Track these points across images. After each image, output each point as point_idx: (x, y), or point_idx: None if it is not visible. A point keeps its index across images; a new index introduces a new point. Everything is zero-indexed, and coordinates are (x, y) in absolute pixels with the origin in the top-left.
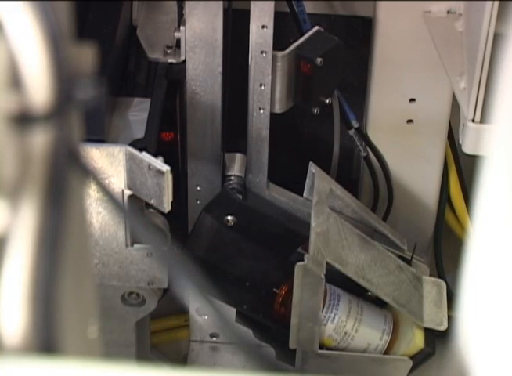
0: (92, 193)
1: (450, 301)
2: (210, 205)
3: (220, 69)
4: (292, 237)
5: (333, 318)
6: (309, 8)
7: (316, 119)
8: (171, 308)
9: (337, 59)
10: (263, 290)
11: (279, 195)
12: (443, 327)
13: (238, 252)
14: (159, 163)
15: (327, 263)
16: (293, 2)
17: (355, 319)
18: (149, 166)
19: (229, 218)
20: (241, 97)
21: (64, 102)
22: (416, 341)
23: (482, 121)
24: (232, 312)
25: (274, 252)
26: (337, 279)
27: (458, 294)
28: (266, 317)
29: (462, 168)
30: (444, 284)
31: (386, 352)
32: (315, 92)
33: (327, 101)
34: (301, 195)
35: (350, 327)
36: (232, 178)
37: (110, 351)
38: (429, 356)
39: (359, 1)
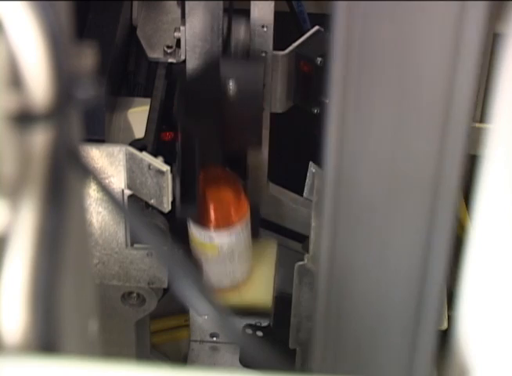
0: (92, 193)
1: (450, 301)
2: None
3: None
4: None
5: None
6: (309, 8)
7: (316, 119)
8: (171, 308)
9: None
10: None
11: (279, 195)
12: (443, 326)
13: None
14: (159, 163)
15: None
16: (293, 2)
17: None
18: (149, 166)
19: None
20: None
21: (64, 101)
22: None
23: (482, 120)
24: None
25: None
26: None
27: (458, 294)
28: None
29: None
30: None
31: None
32: (315, 92)
33: (327, 101)
34: (301, 195)
35: None
36: None
37: (110, 351)
38: None
39: None
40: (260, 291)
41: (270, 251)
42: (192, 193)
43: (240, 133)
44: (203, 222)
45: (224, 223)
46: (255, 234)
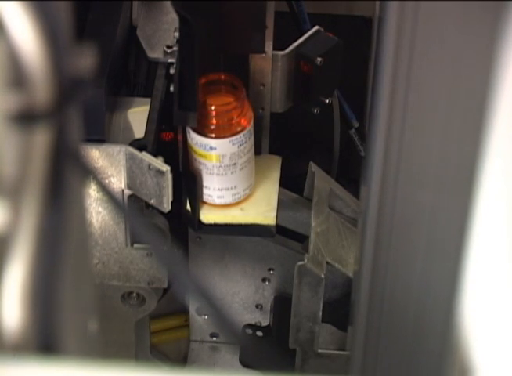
0: (92, 193)
1: None
2: None
3: None
4: None
5: None
6: (309, 8)
7: (316, 119)
8: (171, 308)
9: (337, 59)
10: None
11: (280, 195)
12: None
13: None
14: (159, 163)
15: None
16: (293, 2)
17: None
18: (149, 166)
19: None
20: None
21: (64, 101)
22: None
23: None
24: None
25: None
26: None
27: (459, 294)
28: None
29: None
30: None
31: None
32: (315, 92)
33: (327, 101)
34: (301, 195)
35: None
36: None
37: (110, 351)
38: None
39: (359, 1)
40: (263, 207)
41: (274, 167)
42: (192, 99)
43: (242, 33)
44: (203, 129)
45: (226, 131)
46: (258, 150)
